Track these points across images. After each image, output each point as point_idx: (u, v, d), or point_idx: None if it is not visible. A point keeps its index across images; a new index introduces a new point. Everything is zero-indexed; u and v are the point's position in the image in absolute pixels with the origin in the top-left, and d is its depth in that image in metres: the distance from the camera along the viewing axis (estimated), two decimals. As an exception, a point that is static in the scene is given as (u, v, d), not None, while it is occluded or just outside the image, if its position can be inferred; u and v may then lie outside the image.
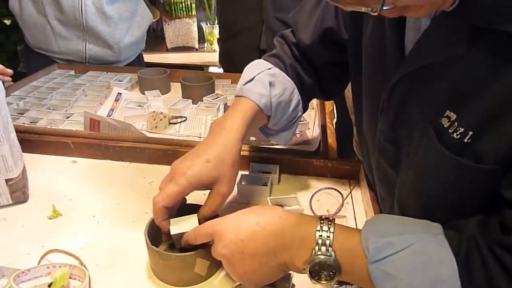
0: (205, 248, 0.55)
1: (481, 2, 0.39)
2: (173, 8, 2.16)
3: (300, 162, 0.81)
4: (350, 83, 0.75)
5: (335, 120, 1.24)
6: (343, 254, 0.45)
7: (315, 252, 0.46)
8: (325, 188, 0.76)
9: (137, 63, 1.57)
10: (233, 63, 1.49)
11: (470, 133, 0.41)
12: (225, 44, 1.58)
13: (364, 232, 0.46)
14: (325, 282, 0.46)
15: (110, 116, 1.07)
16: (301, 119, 1.00)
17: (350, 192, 0.77)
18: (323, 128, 0.97)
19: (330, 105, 1.21)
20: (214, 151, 0.59)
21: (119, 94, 1.18)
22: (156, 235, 0.60)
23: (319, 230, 0.47)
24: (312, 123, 1.04)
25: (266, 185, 0.76)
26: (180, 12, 2.17)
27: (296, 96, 0.72)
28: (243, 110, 0.65)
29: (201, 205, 0.60)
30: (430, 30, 0.45)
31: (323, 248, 0.46)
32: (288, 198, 0.73)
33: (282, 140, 0.76)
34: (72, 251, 0.61)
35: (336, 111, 1.30)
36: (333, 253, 0.45)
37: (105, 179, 0.80)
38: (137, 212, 0.71)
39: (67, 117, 1.02)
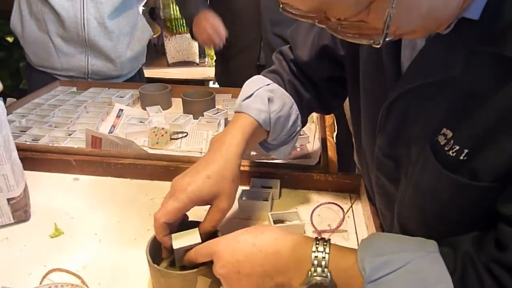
0: (206, 266, 0.55)
1: (476, 25, 0.40)
2: (173, 23, 2.19)
3: (300, 177, 0.82)
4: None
5: (335, 133, 1.24)
6: (339, 275, 0.46)
7: (311, 274, 0.46)
8: (326, 203, 0.76)
9: (138, 78, 1.59)
10: (230, 81, 1.47)
11: (466, 150, 0.42)
12: (222, 64, 1.57)
13: (360, 251, 0.46)
14: None
15: (111, 132, 1.08)
16: (301, 133, 1.01)
17: (351, 206, 0.77)
18: (324, 142, 0.97)
19: (330, 118, 1.22)
20: (214, 167, 0.60)
21: (121, 110, 1.19)
22: (158, 253, 0.60)
23: (314, 251, 0.47)
24: (313, 136, 1.05)
25: (267, 200, 0.76)
26: (181, 28, 2.20)
27: (295, 111, 0.73)
28: (242, 126, 0.66)
29: (201, 222, 0.60)
30: (426, 50, 0.46)
31: (319, 269, 0.46)
32: (289, 213, 0.73)
33: (281, 155, 0.77)
34: (74, 270, 0.61)
35: (337, 124, 1.30)
36: (328, 274, 0.46)
37: (107, 196, 0.80)
38: (139, 229, 0.71)
39: (69, 134, 1.02)
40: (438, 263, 0.42)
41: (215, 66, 1.63)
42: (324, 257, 0.46)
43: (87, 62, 1.40)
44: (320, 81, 0.75)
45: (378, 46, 0.38)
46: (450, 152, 0.43)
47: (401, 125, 0.51)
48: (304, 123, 0.78)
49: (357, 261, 0.45)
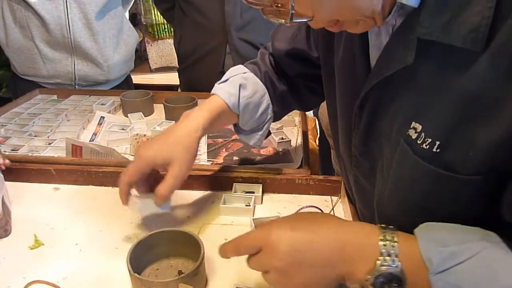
0: (183, 273, 0.55)
1: (422, 15, 0.42)
2: (155, 29, 2.18)
3: (282, 181, 0.82)
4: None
5: (318, 136, 1.25)
6: (408, 264, 0.43)
7: (380, 263, 0.43)
8: (308, 206, 0.77)
9: (125, 85, 1.57)
10: (194, 89, 1.45)
11: (437, 142, 0.43)
12: (185, 73, 1.56)
13: (422, 242, 0.43)
14: None
15: (93, 140, 1.07)
16: (284, 137, 1.02)
17: (333, 209, 0.78)
18: (305, 146, 0.98)
19: (312, 121, 1.23)
20: (172, 136, 0.66)
21: (102, 117, 1.18)
22: (139, 261, 0.60)
23: (382, 240, 0.44)
24: (295, 140, 1.05)
25: (249, 206, 0.77)
26: (163, 33, 2.20)
27: (266, 101, 0.77)
28: (211, 105, 0.71)
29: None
30: (387, 45, 0.48)
31: (388, 259, 0.43)
32: (271, 217, 0.73)
33: (251, 141, 0.80)
34: (55, 281, 0.61)
35: (319, 128, 1.32)
36: (399, 263, 0.43)
37: (88, 205, 0.80)
38: (120, 238, 0.70)
39: (49, 144, 1.01)
40: (507, 253, 0.40)
41: (179, 76, 1.61)
42: (393, 246, 0.44)
43: (74, 68, 1.39)
44: (296, 76, 0.78)
45: (288, 24, 0.43)
46: (424, 145, 0.44)
47: (373, 122, 0.52)
48: (279, 117, 0.82)
49: (421, 252, 0.43)
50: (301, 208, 0.76)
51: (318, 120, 1.27)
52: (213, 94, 0.73)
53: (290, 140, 1.03)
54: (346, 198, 0.76)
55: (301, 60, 0.76)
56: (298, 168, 0.90)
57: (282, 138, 1.02)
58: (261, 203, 0.80)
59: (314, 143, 1.11)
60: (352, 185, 0.64)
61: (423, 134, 0.44)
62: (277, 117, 0.81)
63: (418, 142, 0.45)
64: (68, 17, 1.31)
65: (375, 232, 0.45)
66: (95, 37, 1.37)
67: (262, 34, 1.41)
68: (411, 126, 0.46)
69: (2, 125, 1.12)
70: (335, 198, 0.81)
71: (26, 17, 1.31)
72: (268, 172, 0.85)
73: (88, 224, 0.74)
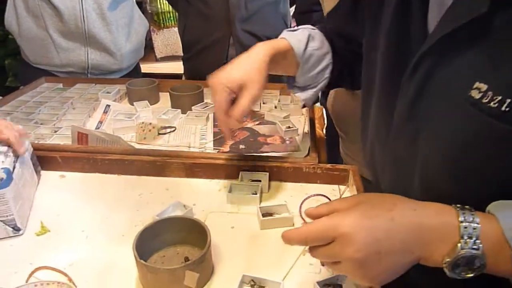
0: (189, 260, 0.55)
1: None
2: (161, 17, 2.16)
3: (289, 170, 0.81)
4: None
5: (325, 125, 1.24)
6: (489, 246, 0.42)
7: (461, 246, 0.42)
8: (315, 195, 0.76)
9: (135, 72, 1.57)
10: (199, 79, 1.42)
11: (508, 100, 0.40)
12: (190, 62, 1.55)
13: (505, 221, 0.42)
14: (468, 276, 0.43)
15: (98, 128, 1.07)
16: (290, 125, 1.01)
17: (340, 198, 0.77)
18: (313, 134, 0.97)
19: (319, 110, 1.22)
20: (242, 61, 0.69)
21: (108, 106, 1.18)
22: (145, 248, 0.59)
23: (463, 221, 0.42)
24: (302, 129, 1.04)
25: (256, 194, 0.76)
26: (169, 22, 2.18)
27: (328, 59, 0.76)
28: (278, 43, 0.72)
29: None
30: (453, 3, 0.46)
31: (470, 241, 0.42)
32: (277, 206, 0.73)
33: (304, 96, 0.79)
34: (61, 267, 0.61)
35: (327, 117, 1.30)
36: (480, 245, 0.42)
37: (94, 193, 0.79)
38: (126, 225, 0.70)
39: (55, 131, 1.01)
40: None
41: (183, 64, 1.61)
42: (475, 228, 0.42)
43: (87, 57, 1.38)
44: (340, 50, 0.78)
45: None
46: (491, 103, 0.42)
47: (426, 86, 0.50)
48: (331, 85, 0.81)
49: (504, 232, 0.41)
50: (308, 197, 0.75)
51: (326, 110, 1.25)
52: (280, 38, 0.73)
53: (297, 129, 1.02)
54: (354, 187, 0.75)
55: (347, 37, 0.76)
56: (305, 157, 0.89)
57: (289, 127, 1.01)
58: (268, 191, 0.80)
59: (321, 132, 1.09)
60: (387, 160, 0.61)
61: (490, 93, 0.42)
62: (329, 83, 0.79)
63: (484, 101, 0.42)
64: (83, 8, 1.31)
65: (452, 213, 0.44)
66: (109, 27, 1.37)
67: (266, 26, 1.40)
68: (474, 87, 0.43)
69: (8, 113, 1.12)
70: (342, 187, 0.80)
71: (39, 6, 1.30)
72: (275, 161, 0.84)
73: (94, 211, 0.74)
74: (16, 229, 0.67)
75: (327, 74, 0.77)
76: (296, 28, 0.76)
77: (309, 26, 0.78)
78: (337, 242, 0.45)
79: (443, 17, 0.48)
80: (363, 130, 0.70)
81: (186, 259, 0.61)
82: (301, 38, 0.73)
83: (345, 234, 0.44)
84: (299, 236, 0.48)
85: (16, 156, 0.72)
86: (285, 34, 0.74)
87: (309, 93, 0.78)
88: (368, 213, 0.45)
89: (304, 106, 1.08)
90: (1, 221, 0.66)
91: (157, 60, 2.26)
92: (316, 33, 0.76)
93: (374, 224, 0.44)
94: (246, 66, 0.68)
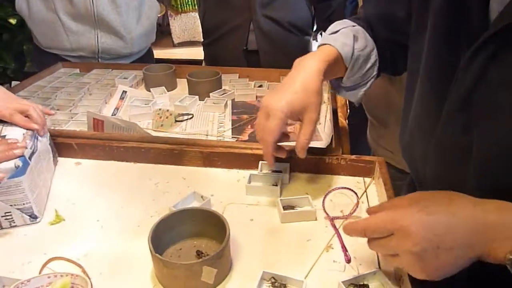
0: (207, 255, 0.52)
1: None
2: (178, 2, 2.12)
3: (311, 160, 0.77)
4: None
5: (347, 114, 1.19)
6: None
7: None
8: (339, 188, 0.72)
9: (147, 57, 1.55)
10: (219, 64, 1.42)
11: None
12: (210, 48, 1.53)
13: None
14: None
15: (115, 115, 1.05)
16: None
17: (365, 191, 0.73)
18: (336, 123, 0.92)
19: (342, 99, 1.17)
20: (299, 83, 0.64)
21: (124, 92, 1.16)
22: (161, 241, 0.57)
23: None
24: (324, 118, 1.00)
25: (276, 185, 0.73)
26: (186, 6, 2.14)
27: (375, 56, 0.73)
28: (326, 52, 0.68)
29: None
30: None
31: None
32: (299, 198, 0.69)
33: (354, 97, 0.76)
34: (75, 258, 0.59)
35: (349, 105, 1.25)
36: None
37: (109, 181, 0.77)
38: (142, 215, 0.68)
39: (71, 117, 0.99)
40: None
41: (203, 49, 1.59)
42: None
43: (97, 40, 1.37)
44: (383, 41, 0.74)
45: None
46: None
47: (485, 73, 0.47)
48: (378, 75, 0.77)
49: None
50: (332, 190, 0.71)
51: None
52: (323, 44, 0.70)
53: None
54: (380, 180, 0.71)
55: (388, 24, 0.71)
56: (328, 147, 0.85)
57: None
58: (289, 182, 0.76)
59: (344, 121, 1.05)
60: (433, 152, 0.58)
61: None
62: (378, 75, 0.76)
63: None
64: None
65: None
66: (118, 9, 1.34)
67: (288, 12, 1.37)
68: None
69: (25, 98, 1.10)
70: (368, 180, 0.76)
71: None
72: (296, 151, 0.80)
73: (109, 200, 0.72)
74: (33, 217, 0.66)
75: (375, 71, 0.74)
76: (337, 29, 0.71)
77: (349, 22, 0.73)
78: (395, 235, 0.46)
79: (508, 6, 0.44)
80: (403, 117, 0.67)
81: (198, 252, 0.58)
82: (346, 41, 0.69)
83: (404, 228, 0.45)
84: (358, 228, 0.50)
85: (36, 138, 0.70)
86: (329, 39, 0.69)
87: (360, 93, 0.75)
88: (428, 208, 0.46)
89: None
90: (19, 209, 0.64)
91: (174, 45, 2.23)
92: (358, 30, 0.72)
93: (434, 219, 0.45)
94: (305, 92, 0.63)
